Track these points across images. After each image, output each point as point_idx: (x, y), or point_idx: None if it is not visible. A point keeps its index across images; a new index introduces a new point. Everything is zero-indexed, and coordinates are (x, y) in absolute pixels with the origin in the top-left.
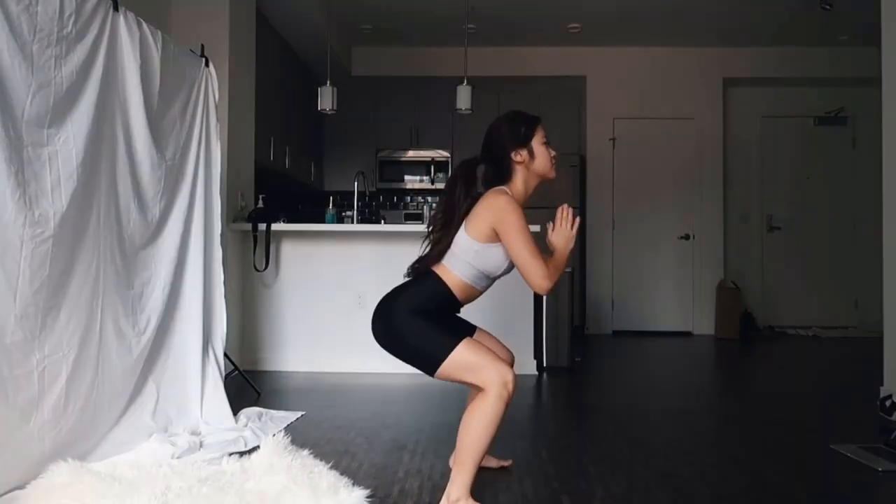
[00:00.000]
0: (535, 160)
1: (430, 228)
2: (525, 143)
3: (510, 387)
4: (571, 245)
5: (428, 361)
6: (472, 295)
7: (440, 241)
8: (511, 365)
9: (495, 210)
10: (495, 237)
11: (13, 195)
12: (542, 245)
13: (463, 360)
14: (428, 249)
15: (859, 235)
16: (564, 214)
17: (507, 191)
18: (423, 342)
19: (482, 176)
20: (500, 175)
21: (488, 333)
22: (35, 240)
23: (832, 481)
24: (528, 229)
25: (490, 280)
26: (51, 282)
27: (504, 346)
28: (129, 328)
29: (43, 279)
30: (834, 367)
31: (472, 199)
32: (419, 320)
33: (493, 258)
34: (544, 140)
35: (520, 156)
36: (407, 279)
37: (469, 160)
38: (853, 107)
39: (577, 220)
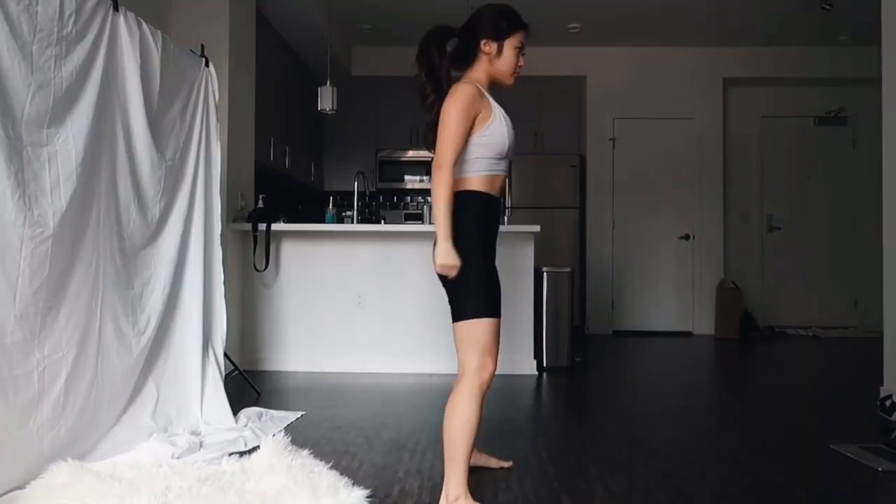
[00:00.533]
0: (501, 59)
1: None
2: (499, 38)
3: (485, 381)
4: (439, 257)
5: (461, 308)
6: (500, 183)
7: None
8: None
9: (450, 96)
10: (477, 123)
11: (13, 195)
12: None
13: (479, 332)
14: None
15: (859, 235)
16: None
17: (469, 83)
18: (471, 291)
19: (451, 48)
20: (465, 56)
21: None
22: (35, 240)
23: (832, 481)
24: (466, 121)
25: (502, 157)
26: (50, 282)
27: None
28: (128, 328)
29: (43, 279)
30: (834, 367)
31: (440, 92)
32: (480, 265)
33: (487, 137)
34: (519, 44)
35: (489, 47)
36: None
37: (439, 28)
38: (853, 107)
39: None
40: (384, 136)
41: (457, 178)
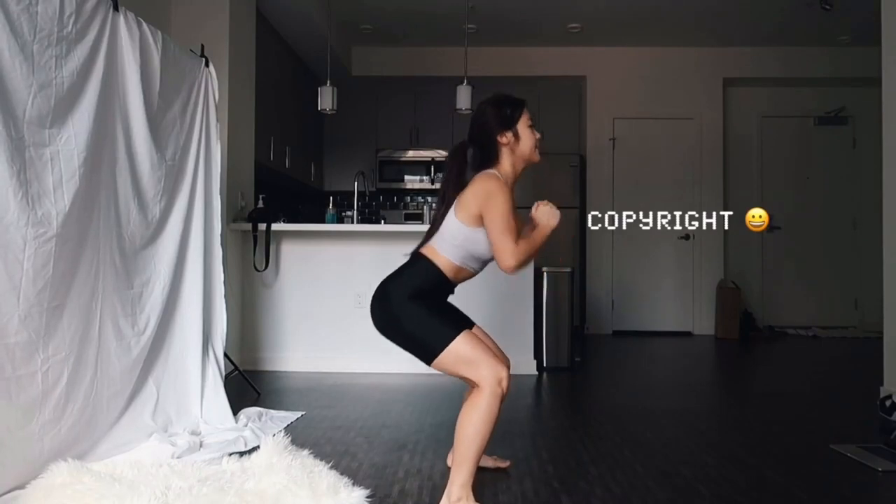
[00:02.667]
0: (521, 143)
1: (433, 222)
2: (510, 126)
3: (504, 384)
4: (554, 223)
5: (426, 350)
6: (464, 276)
7: (433, 226)
8: (506, 366)
9: (484, 192)
10: (482, 221)
11: (16, 195)
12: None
13: (461, 352)
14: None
15: (859, 235)
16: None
17: (497, 174)
18: (423, 330)
19: (471, 159)
20: (487, 157)
21: (486, 334)
22: (38, 239)
23: (832, 481)
24: (511, 212)
25: (481, 263)
26: (54, 282)
27: (500, 349)
28: (128, 328)
29: (47, 279)
30: (834, 367)
31: (461, 184)
32: (417, 307)
33: (482, 241)
34: (529, 123)
35: (505, 138)
36: (408, 265)
37: (459, 145)
38: (853, 107)
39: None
40: (384, 136)
41: (433, 246)
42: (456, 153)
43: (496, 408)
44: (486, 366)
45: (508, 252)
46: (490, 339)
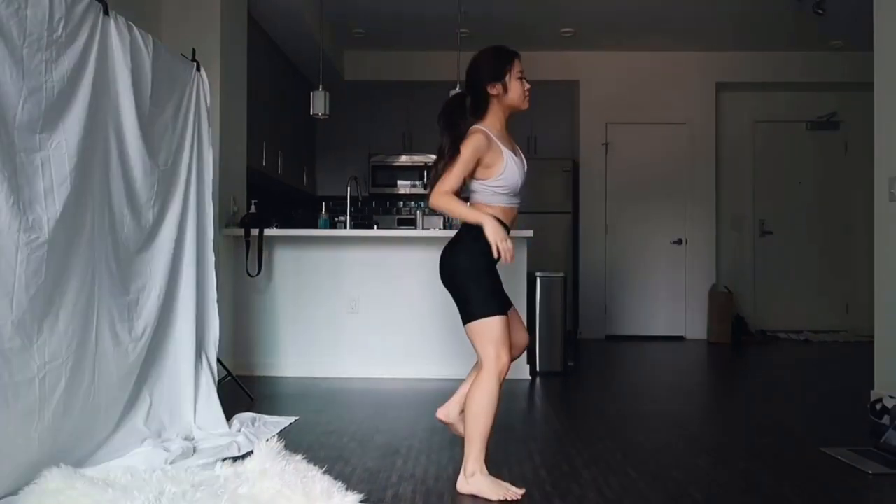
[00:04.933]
0: (509, 93)
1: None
2: (500, 77)
3: (504, 369)
4: (491, 238)
5: (469, 309)
6: (513, 216)
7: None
8: (525, 345)
9: (466, 142)
10: (492, 164)
11: (7, 201)
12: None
13: (489, 329)
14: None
15: (851, 240)
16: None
17: (480, 128)
18: (478, 292)
19: (468, 106)
20: (477, 106)
21: (516, 311)
22: (30, 245)
23: (823, 484)
24: (468, 164)
25: (518, 196)
26: (48, 287)
27: (524, 328)
28: (125, 334)
29: (39, 285)
30: (825, 371)
31: (455, 136)
32: (486, 274)
33: (508, 178)
34: (520, 74)
35: (495, 89)
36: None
37: (454, 96)
38: (845, 112)
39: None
40: (377, 140)
41: (483, 205)
42: (454, 102)
43: (496, 387)
44: (495, 350)
45: (438, 190)
46: (518, 317)
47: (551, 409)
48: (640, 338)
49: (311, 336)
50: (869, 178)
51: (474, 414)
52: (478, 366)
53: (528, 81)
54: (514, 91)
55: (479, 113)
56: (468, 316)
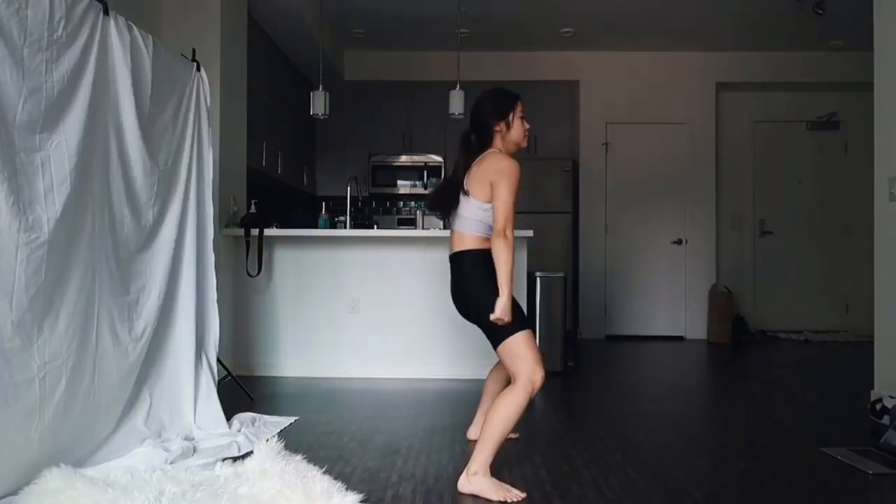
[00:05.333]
0: (511, 131)
1: (439, 213)
2: (504, 116)
3: (537, 385)
4: (501, 310)
5: (500, 331)
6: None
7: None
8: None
9: (495, 169)
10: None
11: (7, 201)
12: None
13: (519, 346)
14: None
15: (851, 240)
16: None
17: (504, 154)
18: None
19: (472, 142)
20: (483, 141)
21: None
22: (30, 245)
23: (823, 484)
24: (516, 197)
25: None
26: (48, 287)
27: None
28: (125, 334)
29: (39, 285)
30: (825, 371)
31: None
32: (512, 303)
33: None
34: (521, 115)
35: (500, 126)
36: (457, 266)
37: (465, 133)
38: (845, 112)
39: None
40: (376, 140)
41: (464, 233)
42: (463, 142)
43: (525, 402)
44: (528, 365)
45: (510, 234)
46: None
47: (551, 409)
48: (640, 338)
49: (311, 336)
50: (869, 178)
51: (497, 420)
52: (493, 374)
53: (527, 122)
54: (517, 129)
55: (485, 147)
56: (500, 337)
